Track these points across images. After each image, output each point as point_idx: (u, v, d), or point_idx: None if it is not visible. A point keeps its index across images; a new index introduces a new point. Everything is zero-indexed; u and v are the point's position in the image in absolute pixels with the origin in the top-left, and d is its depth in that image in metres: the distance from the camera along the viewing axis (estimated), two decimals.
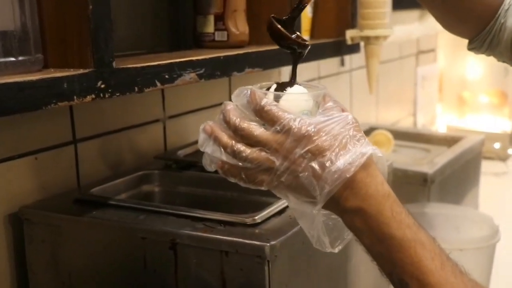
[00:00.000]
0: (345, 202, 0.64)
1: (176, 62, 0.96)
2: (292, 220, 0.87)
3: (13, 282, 1.00)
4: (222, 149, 0.67)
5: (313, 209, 0.65)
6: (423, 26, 2.48)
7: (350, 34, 1.45)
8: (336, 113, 0.66)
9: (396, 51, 2.37)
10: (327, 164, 0.63)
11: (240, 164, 0.66)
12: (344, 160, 0.63)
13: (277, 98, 0.67)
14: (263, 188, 0.67)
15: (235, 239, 0.80)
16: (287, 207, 0.91)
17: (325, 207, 0.65)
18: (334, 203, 0.64)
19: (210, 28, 1.21)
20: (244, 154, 0.66)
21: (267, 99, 0.66)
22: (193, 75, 0.99)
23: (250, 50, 1.13)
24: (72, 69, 0.82)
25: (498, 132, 2.70)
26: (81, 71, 0.81)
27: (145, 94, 1.22)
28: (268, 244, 0.78)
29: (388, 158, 1.27)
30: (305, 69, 1.70)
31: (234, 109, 0.68)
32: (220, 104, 1.49)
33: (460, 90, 2.87)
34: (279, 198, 0.93)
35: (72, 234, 0.93)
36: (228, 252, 0.80)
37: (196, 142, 1.27)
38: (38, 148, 1.03)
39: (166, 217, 0.89)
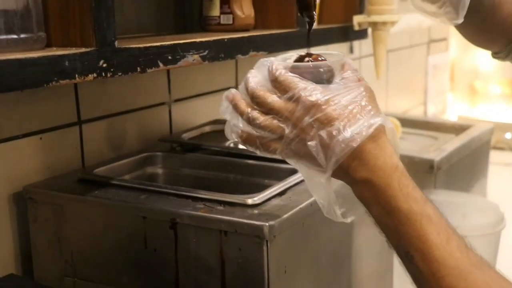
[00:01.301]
0: (354, 173, 0.64)
1: (179, 44, 0.96)
2: (292, 202, 0.87)
3: (17, 260, 1.01)
4: (239, 116, 0.69)
5: (322, 178, 0.66)
6: None
7: (357, 19, 1.44)
8: (351, 82, 0.67)
9: (407, 40, 2.35)
10: (334, 133, 0.63)
11: (255, 132, 0.68)
12: (351, 130, 0.63)
13: (294, 69, 0.68)
14: (277, 157, 0.69)
15: (234, 219, 0.81)
16: (288, 188, 0.91)
17: (335, 176, 0.66)
18: (343, 173, 0.65)
19: (215, 11, 1.20)
20: (257, 121, 0.67)
21: (283, 70, 0.67)
22: (196, 56, 0.99)
23: (255, 33, 1.13)
24: (74, 48, 0.82)
25: (510, 122, 2.67)
26: (83, 49, 0.81)
27: (151, 77, 1.23)
28: (266, 224, 0.78)
29: None
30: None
31: (255, 77, 0.69)
32: (226, 88, 1.49)
33: (471, 79, 2.85)
34: (281, 181, 0.94)
35: (75, 213, 0.93)
36: (227, 232, 0.81)
37: (201, 125, 1.28)
38: (43, 128, 1.04)
39: (167, 197, 0.89)
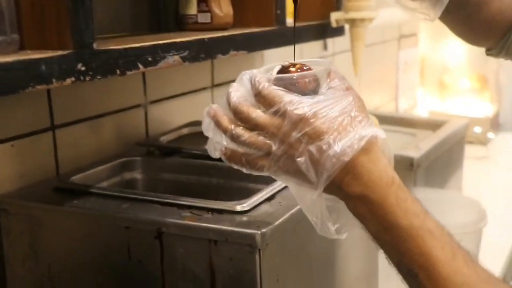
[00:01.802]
0: (347, 188, 0.61)
1: (159, 44, 0.92)
2: (282, 207, 0.84)
3: None
4: (223, 133, 0.65)
5: (313, 195, 0.63)
6: None
7: (335, 16, 1.42)
8: (339, 92, 0.63)
9: (379, 36, 2.35)
10: (325, 147, 0.60)
11: (240, 149, 0.64)
12: (342, 143, 0.60)
13: (278, 81, 0.64)
14: (264, 174, 0.65)
15: (224, 227, 0.77)
16: (276, 193, 0.88)
17: (327, 192, 0.63)
18: (336, 189, 0.62)
19: (192, 9, 1.17)
20: (242, 138, 0.64)
21: (267, 83, 0.64)
22: (176, 57, 0.95)
23: (235, 32, 1.10)
24: (50, 51, 0.77)
25: (479, 116, 2.70)
26: (60, 52, 0.76)
27: (126, 78, 1.18)
28: (259, 232, 0.75)
29: None
30: (289, 53, 1.67)
31: (237, 91, 0.65)
32: (203, 89, 1.45)
33: (441, 74, 2.86)
34: (267, 184, 0.90)
35: (52, 224, 0.89)
36: (216, 241, 0.77)
37: (179, 127, 1.24)
38: (14, 135, 0.99)
39: (151, 205, 0.85)
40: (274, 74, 0.66)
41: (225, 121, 0.65)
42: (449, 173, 1.72)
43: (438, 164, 1.59)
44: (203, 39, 1.01)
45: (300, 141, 0.61)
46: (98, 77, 0.82)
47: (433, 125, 1.74)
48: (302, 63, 0.67)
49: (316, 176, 0.61)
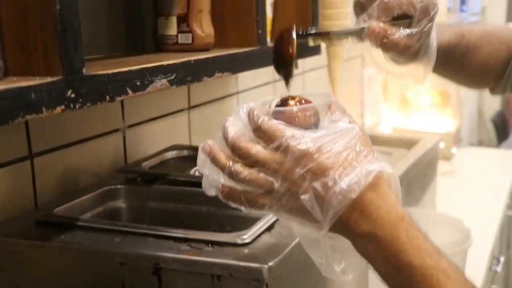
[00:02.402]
0: (355, 226, 0.58)
1: (147, 68, 0.87)
2: (283, 237, 0.81)
3: None
4: (220, 170, 0.62)
5: (318, 234, 0.60)
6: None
7: None
8: (341, 125, 0.61)
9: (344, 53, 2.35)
10: (330, 184, 0.57)
11: (239, 187, 0.61)
12: (348, 179, 0.58)
13: (277, 114, 0.62)
14: (265, 213, 0.62)
15: (228, 261, 0.73)
16: (275, 222, 0.85)
17: (333, 230, 0.60)
18: (342, 227, 0.59)
19: (172, 30, 1.13)
20: (242, 176, 0.61)
21: (266, 116, 0.61)
22: (164, 81, 0.91)
23: (219, 54, 1.06)
24: (37, 77, 0.72)
25: (442, 132, 2.73)
26: (49, 79, 0.71)
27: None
28: (266, 266, 0.72)
29: None
30: (262, 73, 1.64)
31: (234, 125, 0.62)
32: (180, 111, 1.41)
33: (404, 90, 2.89)
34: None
35: (37, 262, 0.83)
36: (220, 276, 0.73)
37: (160, 152, 1.20)
38: None
39: (145, 239, 0.81)
40: (272, 107, 0.64)
41: (222, 157, 0.62)
42: (423, 191, 1.72)
43: (414, 183, 1.59)
44: (189, 61, 0.97)
45: (304, 178, 0.58)
46: (88, 104, 0.77)
47: (407, 143, 1.74)
48: (301, 95, 0.65)
49: (322, 214, 0.58)
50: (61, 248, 0.81)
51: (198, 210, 0.99)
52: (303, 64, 1.97)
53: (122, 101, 1.18)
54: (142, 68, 0.86)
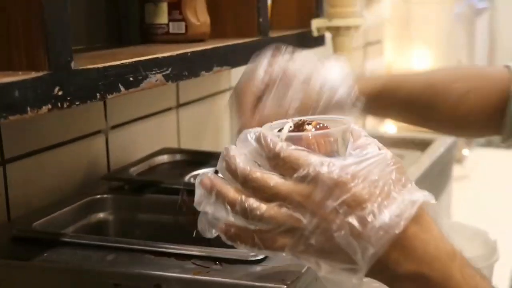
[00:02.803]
0: (396, 266, 0.56)
1: (141, 61, 0.86)
2: None
3: None
4: (229, 207, 0.59)
5: (353, 278, 0.57)
6: (371, 14, 2.48)
7: (316, 24, 1.39)
8: (371, 151, 0.59)
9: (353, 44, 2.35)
10: (369, 218, 0.55)
11: (252, 226, 0.59)
12: (390, 212, 0.55)
13: (294, 141, 0.60)
14: (284, 254, 0.59)
15: (240, 281, 0.72)
16: None
17: (369, 274, 0.57)
18: (381, 269, 0.57)
19: (163, 18, 1.11)
20: (258, 212, 0.57)
21: (283, 143, 0.59)
22: (159, 76, 0.90)
23: (218, 45, 1.05)
24: (20, 72, 0.71)
25: None
26: (33, 74, 0.70)
27: None
28: (284, 286, 0.70)
29: None
30: None
31: (240, 155, 0.60)
32: (168, 109, 1.39)
33: None
34: None
35: (16, 284, 0.81)
36: None
37: (148, 157, 1.18)
38: None
39: (142, 256, 0.79)
40: (285, 132, 0.62)
41: (231, 191, 0.59)
42: (437, 198, 1.72)
43: (427, 189, 1.59)
44: (185, 53, 0.96)
45: (337, 212, 0.56)
46: (77, 103, 0.76)
47: (419, 145, 1.74)
48: (315, 120, 0.63)
49: (360, 253, 0.56)
50: (44, 268, 0.79)
51: (195, 221, 0.97)
52: None
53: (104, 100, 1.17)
54: (135, 62, 0.85)
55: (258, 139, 0.60)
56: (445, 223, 1.47)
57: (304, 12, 1.44)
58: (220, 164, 0.61)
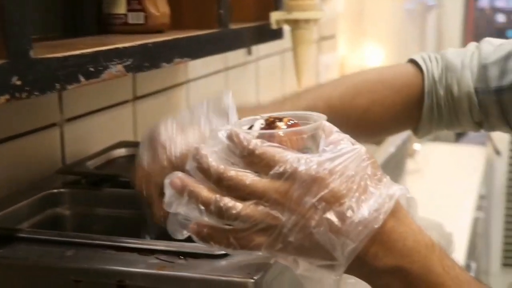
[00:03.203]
0: (376, 261, 0.56)
1: (101, 51, 0.84)
2: None
3: None
4: (203, 207, 0.58)
5: (332, 275, 0.57)
6: (326, 8, 2.48)
7: (275, 16, 1.38)
8: (345, 147, 0.58)
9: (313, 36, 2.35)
10: (348, 213, 0.55)
11: (224, 225, 0.58)
12: (368, 206, 0.55)
13: (267, 138, 0.59)
14: (259, 254, 0.59)
15: (206, 276, 0.71)
16: None
17: (346, 270, 0.57)
18: (360, 264, 0.57)
19: (121, 8, 1.09)
20: (234, 211, 0.57)
21: (257, 140, 0.58)
22: (120, 67, 0.88)
23: (179, 36, 1.03)
24: None
25: None
26: None
27: None
28: (251, 280, 0.69)
29: None
30: (212, 59, 1.61)
31: (213, 153, 0.59)
32: (124, 102, 1.37)
33: None
34: None
35: None
36: None
37: (105, 150, 1.15)
38: None
39: (103, 251, 0.77)
40: (256, 130, 0.61)
41: (204, 191, 0.58)
42: None
43: None
44: (147, 44, 0.94)
45: (316, 208, 0.56)
46: (36, 93, 0.73)
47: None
48: (286, 116, 0.63)
49: (339, 249, 0.55)
50: (0, 265, 0.76)
51: None
52: (257, 51, 1.95)
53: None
54: (96, 52, 0.83)
55: (230, 137, 0.59)
56: None
57: (263, 4, 1.43)
58: (191, 164, 0.60)
